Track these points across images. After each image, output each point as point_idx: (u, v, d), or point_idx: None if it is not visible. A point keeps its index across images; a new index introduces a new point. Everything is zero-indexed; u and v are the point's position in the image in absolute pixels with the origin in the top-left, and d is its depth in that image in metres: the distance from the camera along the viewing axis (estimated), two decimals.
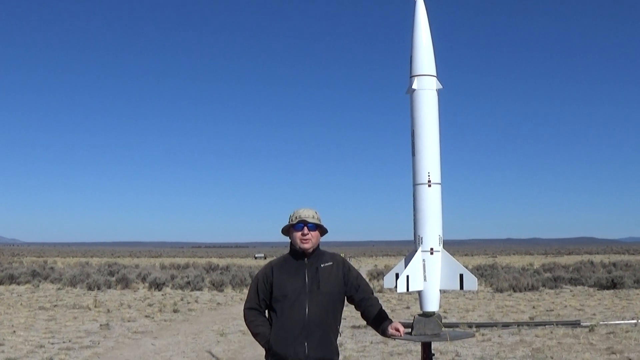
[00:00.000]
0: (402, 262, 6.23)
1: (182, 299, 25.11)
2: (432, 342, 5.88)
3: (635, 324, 15.83)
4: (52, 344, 13.87)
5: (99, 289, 29.59)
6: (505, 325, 16.16)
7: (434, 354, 5.87)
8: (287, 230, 5.16)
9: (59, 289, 30.34)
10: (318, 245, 5.18)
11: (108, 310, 20.68)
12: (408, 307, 21.46)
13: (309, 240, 5.04)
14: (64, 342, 14.08)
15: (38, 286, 31.94)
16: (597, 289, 28.55)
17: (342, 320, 5.28)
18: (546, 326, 15.83)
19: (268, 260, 45.39)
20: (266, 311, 5.16)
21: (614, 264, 46.40)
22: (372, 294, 5.29)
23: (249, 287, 5.36)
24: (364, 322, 5.44)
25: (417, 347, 7.84)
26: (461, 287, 5.99)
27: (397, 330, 5.07)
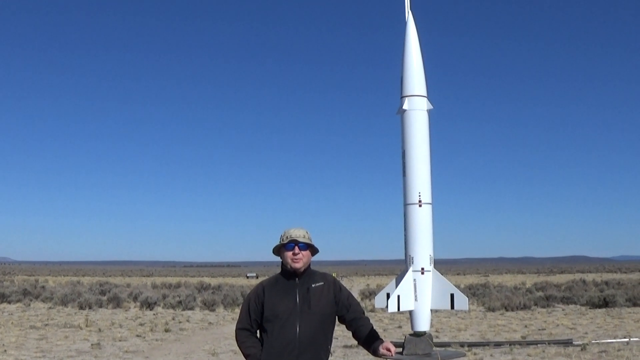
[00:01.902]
0: (393, 281, 6.27)
1: (173, 319, 25.00)
2: None
3: (627, 343, 15.86)
4: None
5: (90, 308, 29.42)
6: (498, 344, 16.16)
7: None
8: (278, 250, 5.18)
9: (50, 308, 30.15)
10: (309, 265, 5.21)
11: (99, 330, 20.56)
12: (400, 327, 21.43)
13: (299, 260, 5.06)
14: None
15: (29, 305, 31.74)
16: (589, 308, 28.59)
17: (333, 340, 5.29)
18: (538, 345, 15.84)
19: (260, 279, 45.26)
20: (257, 331, 5.17)
21: (606, 283, 46.54)
22: (364, 313, 5.31)
23: (240, 307, 5.37)
24: (356, 342, 5.45)
25: None
26: (452, 306, 6.04)
27: (389, 350, 5.07)
